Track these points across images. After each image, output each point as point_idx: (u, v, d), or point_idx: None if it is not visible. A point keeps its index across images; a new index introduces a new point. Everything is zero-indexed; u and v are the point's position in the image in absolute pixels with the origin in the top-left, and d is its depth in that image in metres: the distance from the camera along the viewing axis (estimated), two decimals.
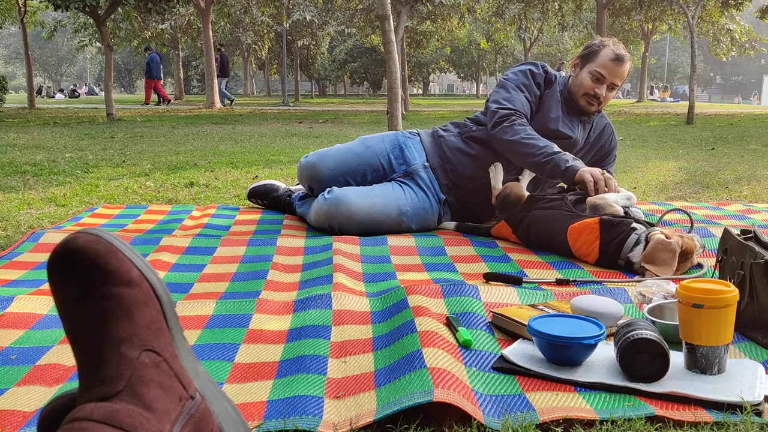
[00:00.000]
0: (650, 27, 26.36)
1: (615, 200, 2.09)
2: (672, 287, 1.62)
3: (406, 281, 1.81)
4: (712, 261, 1.99)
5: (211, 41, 16.15)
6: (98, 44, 24.22)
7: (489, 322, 1.47)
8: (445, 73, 48.24)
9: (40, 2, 14.22)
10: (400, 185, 2.50)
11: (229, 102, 17.78)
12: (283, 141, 6.62)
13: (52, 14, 28.66)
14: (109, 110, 10.54)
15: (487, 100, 2.58)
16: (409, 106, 19.21)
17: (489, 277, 1.84)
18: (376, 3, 4.79)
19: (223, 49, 18.30)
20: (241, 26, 28.56)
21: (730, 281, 1.48)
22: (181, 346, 0.81)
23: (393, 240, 2.27)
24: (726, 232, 1.58)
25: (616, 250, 1.91)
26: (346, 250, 2.10)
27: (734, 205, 2.97)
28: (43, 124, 9.37)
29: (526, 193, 2.32)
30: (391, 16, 4.78)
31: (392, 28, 4.81)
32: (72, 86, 37.07)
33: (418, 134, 2.69)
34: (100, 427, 0.68)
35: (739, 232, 1.55)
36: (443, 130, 2.67)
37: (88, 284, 0.76)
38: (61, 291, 0.77)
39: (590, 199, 2.12)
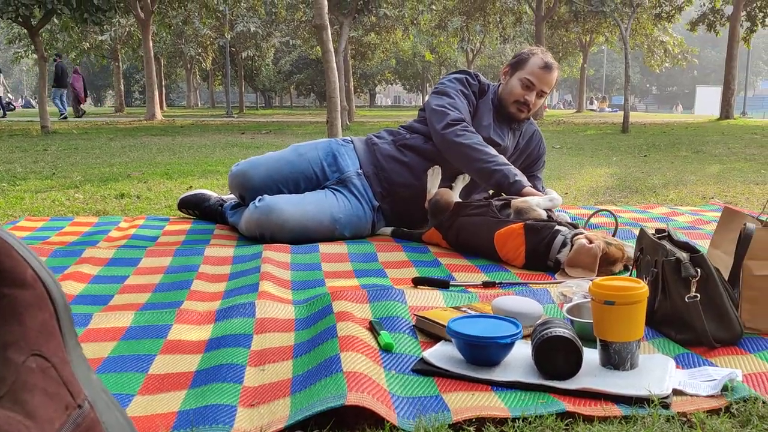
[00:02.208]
0: (587, 39, 27.18)
1: (537, 203, 2.12)
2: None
3: (334, 288, 1.79)
4: None
5: (152, 53, 15.87)
6: (34, 55, 23.50)
7: (413, 325, 1.47)
8: (392, 84, 48.56)
9: None
10: (333, 193, 2.49)
11: (62, 117, 17.42)
12: (222, 152, 6.53)
13: None
14: (43, 123, 10.22)
15: (423, 108, 2.60)
16: (355, 117, 19.25)
17: (417, 282, 1.84)
18: (314, 13, 4.79)
19: (59, 59, 17.85)
20: (184, 37, 28.18)
21: (645, 279, 1.51)
22: (73, 352, 0.78)
23: (325, 247, 2.25)
24: (642, 232, 1.62)
25: (544, 252, 1.95)
26: (276, 258, 2.07)
27: (660, 208, 3.07)
28: None
29: (456, 200, 2.34)
30: (329, 27, 4.79)
31: (330, 38, 4.81)
32: (7, 99, 35.79)
33: (352, 142, 2.69)
34: None
35: (654, 232, 1.59)
36: (377, 137, 2.67)
37: None
38: None
39: (514, 203, 2.16)
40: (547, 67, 2.50)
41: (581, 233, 1.94)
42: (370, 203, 2.52)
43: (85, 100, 20.34)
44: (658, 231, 1.59)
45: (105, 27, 21.98)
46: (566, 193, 3.67)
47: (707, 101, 42.28)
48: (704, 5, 17.70)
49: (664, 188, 3.92)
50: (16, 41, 22.83)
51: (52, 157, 5.91)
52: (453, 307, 1.53)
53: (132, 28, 23.71)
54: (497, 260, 2.09)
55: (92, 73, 49.69)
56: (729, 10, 17.45)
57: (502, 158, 2.36)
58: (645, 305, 1.23)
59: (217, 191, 3.55)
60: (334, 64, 4.83)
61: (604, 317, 1.21)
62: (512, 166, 2.35)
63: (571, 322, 1.41)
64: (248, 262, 2.04)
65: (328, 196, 2.46)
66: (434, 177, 2.47)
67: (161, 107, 25.05)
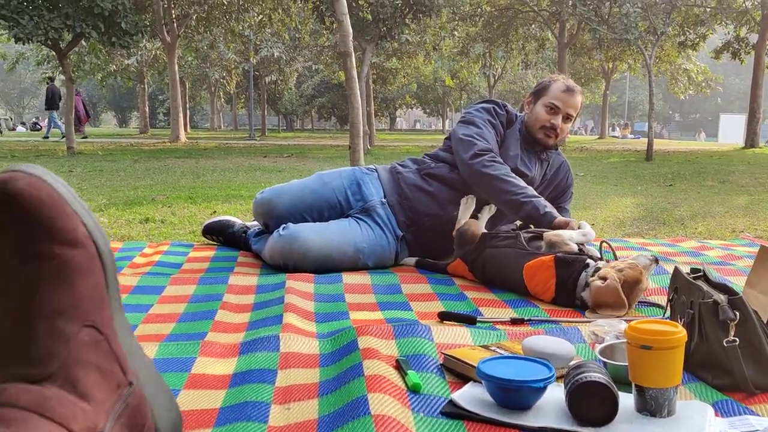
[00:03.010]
0: (611, 66, 27.12)
1: (570, 237, 2.09)
2: (624, 326, 1.61)
3: (359, 321, 1.77)
4: (665, 299, 2.00)
5: (177, 76, 16.10)
6: (62, 77, 23.99)
7: (440, 364, 1.43)
8: (412, 108, 48.81)
9: (0, 34, 14.05)
10: (356, 222, 2.47)
11: (45, 138, 18.11)
12: (245, 175, 6.56)
13: (14, 47, 28.36)
14: (69, 144, 10.38)
15: (448, 137, 2.59)
16: (375, 140, 19.33)
17: (443, 317, 1.82)
18: (339, 41, 4.82)
19: (51, 83, 18.48)
20: (209, 61, 28.61)
21: (680, 321, 1.47)
22: (118, 318, 0.70)
23: (348, 278, 2.23)
24: (676, 271, 1.58)
25: (571, 288, 1.91)
26: (299, 288, 2.06)
27: (689, 242, 3.01)
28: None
29: (483, 231, 2.31)
30: (353, 54, 4.82)
31: (354, 65, 4.84)
32: (34, 119, 36.53)
33: (376, 170, 2.67)
34: (25, 415, 0.57)
35: (688, 271, 1.55)
36: (401, 166, 2.66)
37: (23, 239, 0.62)
38: None
39: (546, 236, 2.12)
40: (569, 90, 2.49)
41: (596, 275, 1.89)
42: (394, 233, 2.50)
43: (87, 121, 20.86)
44: (693, 270, 1.55)
45: (132, 50, 22.39)
46: (593, 224, 3.63)
47: (731, 129, 41.91)
48: (728, 33, 17.61)
49: (692, 220, 3.86)
50: (45, 63, 23.36)
51: (77, 179, 5.98)
52: (482, 346, 1.50)
53: (158, 52, 24.13)
54: (525, 294, 2.05)
55: (118, 95, 50.58)
56: (754, 38, 17.35)
57: (531, 190, 2.33)
58: (683, 350, 1.19)
59: (241, 216, 3.55)
60: (357, 91, 4.85)
61: (641, 362, 1.18)
62: (542, 198, 2.32)
63: (604, 364, 1.37)
64: (272, 291, 2.03)
65: (352, 225, 2.45)
66: (467, 207, 2.44)
67: (185, 129, 25.36)
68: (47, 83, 18.63)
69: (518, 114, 2.63)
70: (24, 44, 9.59)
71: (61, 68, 12.32)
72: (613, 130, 35.59)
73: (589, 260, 1.95)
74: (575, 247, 2.06)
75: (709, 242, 2.99)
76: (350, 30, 4.75)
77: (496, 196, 2.37)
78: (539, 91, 2.54)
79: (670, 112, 63.99)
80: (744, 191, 5.79)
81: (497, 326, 1.75)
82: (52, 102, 18.55)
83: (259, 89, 30.51)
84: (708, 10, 16.60)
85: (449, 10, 17.61)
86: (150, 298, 1.97)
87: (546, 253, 2.01)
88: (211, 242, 2.86)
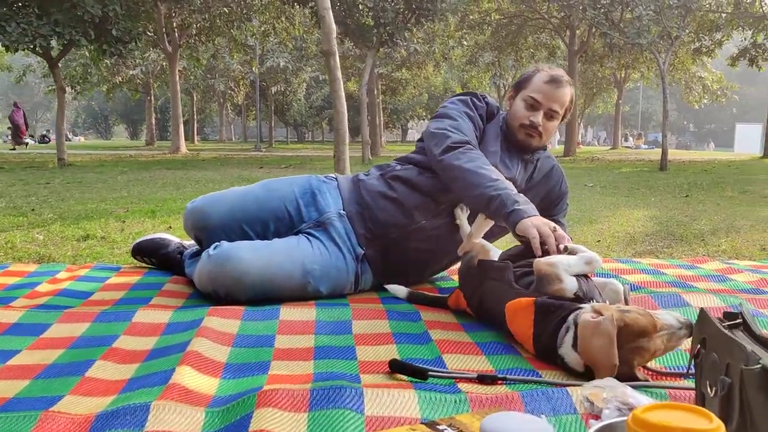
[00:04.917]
0: (623, 75, 26.64)
1: (568, 266, 1.53)
2: (630, 392, 1.16)
3: (277, 378, 1.33)
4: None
5: (178, 86, 15.83)
6: (71, 89, 23.83)
7: None
8: (423, 120, 48.47)
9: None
10: (307, 238, 2.04)
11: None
12: (229, 186, 6.15)
13: (22, 60, 28.33)
14: (60, 155, 10.05)
15: (422, 137, 2.16)
16: (383, 151, 18.97)
17: (395, 367, 1.37)
18: (322, 39, 4.41)
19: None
20: (216, 72, 28.42)
21: (711, 391, 1.02)
22: None
23: (288, 312, 1.79)
24: (703, 316, 1.12)
25: (547, 343, 1.39)
26: (218, 327, 1.62)
27: (712, 263, 2.54)
28: None
29: (494, 255, 1.82)
30: (336, 53, 4.40)
31: (338, 66, 4.43)
32: (44, 132, 36.48)
33: (336, 179, 2.25)
34: None
35: (721, 317, 1.10)
36: (365, 174, 2.23)
37: None
38: None
39: (537, 264, 1.58)
40: (553, 81, 2.03)
41: (586, 308, 1.37)
42: (353, 251, 2.06)
43: (26, 133, 20.98)
44: (728, 316, 1.10)
45: (137, 61, 22.21)
46: (599, 241, 3.16)
47: (747, 139, 41.12)
48: (745, 39, 17.09)
49: (714, 235, 3.38)
50: (50, 75, 23.24)
51: (49, 191, 5.60)
52: (427, 424, 1.05)
53: (164, 63, 23.95)
54: (512, 338, 1.58)
55: (129, 107, 50.70)
56: None
57: (506, 183, 1.85)
58: None
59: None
60: (342, 93, 4.43)
61: None
62: (514, 191, 1.82)
63: None
64: (181, 333, 1.59)
65: (302, 242, 2.01)
66: (463, 215, 1.99)
67: (193, 141, 25.13)
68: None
69: (500, 108, 2.19)
70: (12, 53, 9.28)
71: (74, 78, 12.03)
72: (626, 140, 35.01)
73: (583, 306, 1.40)
74: (573, 283, 1.50)
75: (735, 263, 2.52)
76: (333, 27, 4.34)
77: (465, 192, 1.90)
78: (521, 83, 2.10)
79: (685, 122, 63.23)
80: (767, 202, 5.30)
81: (459, 384, 1.30)
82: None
83: (267, 100, 30.28)
84: (724, 15, 16.10)
85: (457, 18, 17.23)
86: (21, 342, 1.53)
87: (529, 294, 1.52)
88: (142, 264, 2.44)
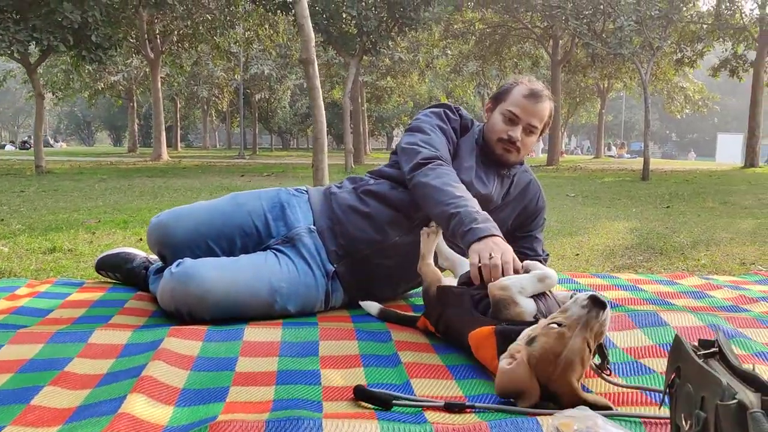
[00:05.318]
0: (606, 85, 26.83)
1: (521, 287, 1.47)
2: (602, 423, 1.11)
3: (233, 406, 1.26)
4: (661, 362, 1.46)
5: (160, 93, 15.69)
6: (52, 95, 23.55)
7: None
8: None
9: None
10: (275, 254, 1.97)
11: None
12: (207, 195, 6.07)
13: (3, 65, 28.00)
14: (37, 162, 9.89)
15: (395, 150, 2.10)
16: (367, 159, 18.93)
17: (358, 394, 1.31)
18: (301, 47, 4.36)
19: None
20: (200, 78, 28.27)
21: (686, 424, 0.97)
22: None
23: (252, 332, 1.72)
24: (678, 344, 1.07)
25: None
26: (178, 349, 1.55)
27: (691, 278, 2.50)
28: None
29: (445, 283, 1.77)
30: (315, 62, 4.35)
31: (317, 74, 4.37)
32: (25, 138, 36.13)
33: (307, 192, 2.18)
34: None
35: (696, 345, 1.05)
36: (337, 186, 2.17)
37: None
38: None
39: (490, 289, 1.51)
40: (533, 95, 1.98)
41: (532, 338, 1.27)
42: (323, 268, 2.00)
43: None
44: (703, 344, 1.05)
45: (120, 67, 22.02)
46: (577, 254, 3.12)
47: (728, 149, 41.55)
48: (726, 50, 17.26)
49: (694, 249, 3.36)
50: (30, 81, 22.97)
51: (22, 199, 5.48)
52: None
53: (147, 69, 23.79)
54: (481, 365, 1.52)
55: (112, 114, 50.30)
56: (752, 55, 16.99)
57: (470, 200, 1.77)
58: None
59: None
60: (321, 102, 4.37)
61: None
62: (477, 208, 1.74)
63: None
64: (138, 355, 1.52)
65: (269, 259, 1.95)
66: (429, 240, 1.88)
67: (176, 148, 24.92)
68: None
69: (475, 121, 2.14)
70: None
71: (62, 84, 11.78)
72: (609, 149, 35.25)
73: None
74: (530, 305, 1.46)
75: (714, 278, 2.49)
76: (312, 35, 4.29)
77: (430, 210, 1.83)
78: (499, 96, 2.05)
79: (667, 132, 63.83)
80: (749, 214, 5.30)
81: (426, 413, 1.24)
82: None
83: (251, 107, 30.15)
84: (705, 27, 16.25)
85: (441, 27, 17.26)
86: None
87: (489, 321, 1.46)
88: (106, 279, 2.35)
